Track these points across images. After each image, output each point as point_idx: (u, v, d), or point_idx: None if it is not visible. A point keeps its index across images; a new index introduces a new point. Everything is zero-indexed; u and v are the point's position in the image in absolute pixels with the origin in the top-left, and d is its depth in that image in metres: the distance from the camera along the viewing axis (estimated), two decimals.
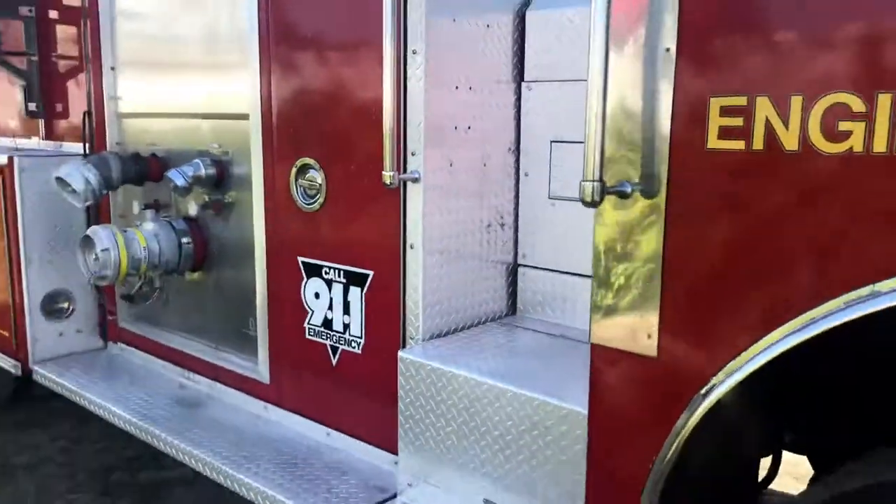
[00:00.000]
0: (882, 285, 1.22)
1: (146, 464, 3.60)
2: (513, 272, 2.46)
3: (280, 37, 2.52)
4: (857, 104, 1.22)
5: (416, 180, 2.15)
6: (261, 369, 2.77)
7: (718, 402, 1.39)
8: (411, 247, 2.21)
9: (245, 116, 2.65)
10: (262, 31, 2.56)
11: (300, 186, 2.51)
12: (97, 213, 3.40)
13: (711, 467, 1.76)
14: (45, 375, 3.34)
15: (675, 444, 1.45)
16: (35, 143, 3.81)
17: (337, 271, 2.44)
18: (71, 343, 3.52)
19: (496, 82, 2.32)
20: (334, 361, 2.50)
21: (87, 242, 2.89)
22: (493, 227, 2.39)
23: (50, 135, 3.78)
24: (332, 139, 2.40)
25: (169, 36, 3.03)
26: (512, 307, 2.48)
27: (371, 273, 2.34)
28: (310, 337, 2.56)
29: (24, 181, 3.30)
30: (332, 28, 2.38)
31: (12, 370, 3.46)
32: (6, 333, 3.43)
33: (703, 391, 1.40)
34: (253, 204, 2.69)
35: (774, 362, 1.32)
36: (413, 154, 2.15)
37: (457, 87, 2.20)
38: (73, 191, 3.02)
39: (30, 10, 3.66)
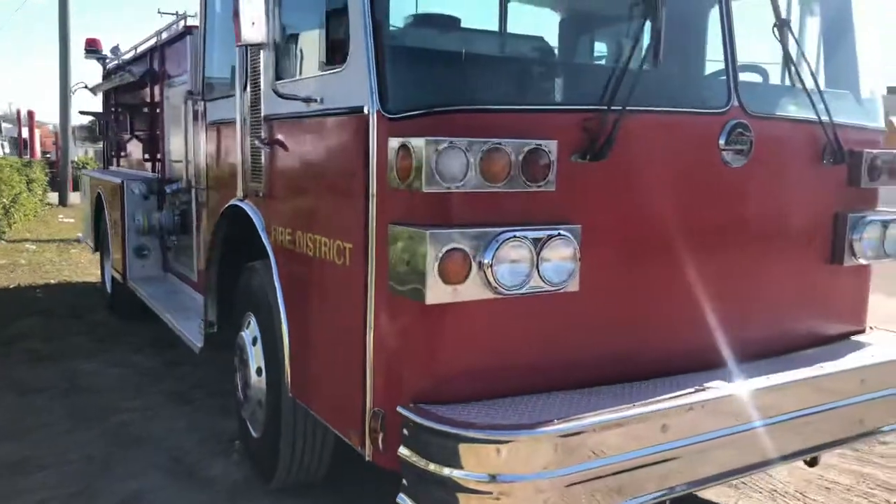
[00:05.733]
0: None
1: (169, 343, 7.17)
2: None
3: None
4: None
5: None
6: (195, 275, 6.15)
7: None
8: None
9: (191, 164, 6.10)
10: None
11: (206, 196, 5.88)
12: (160, 205, 7.01)
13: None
14: (132, 285, 7.03)
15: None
16: (146, 174, 7.56)
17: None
18: (148, 272, 7.08)
19: None
20: None
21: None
22: None
23: (152, 171, 7.49)
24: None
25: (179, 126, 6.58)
26: None
27: None
28: None
29: (127, 192, 7.01)
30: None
31: (120, 279, 7.21)
32: (118, 266, 7.20)
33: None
34: (194, 206, 6.10)
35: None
36: None
37: None
38: (140, 195, 6.71)
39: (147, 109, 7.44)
